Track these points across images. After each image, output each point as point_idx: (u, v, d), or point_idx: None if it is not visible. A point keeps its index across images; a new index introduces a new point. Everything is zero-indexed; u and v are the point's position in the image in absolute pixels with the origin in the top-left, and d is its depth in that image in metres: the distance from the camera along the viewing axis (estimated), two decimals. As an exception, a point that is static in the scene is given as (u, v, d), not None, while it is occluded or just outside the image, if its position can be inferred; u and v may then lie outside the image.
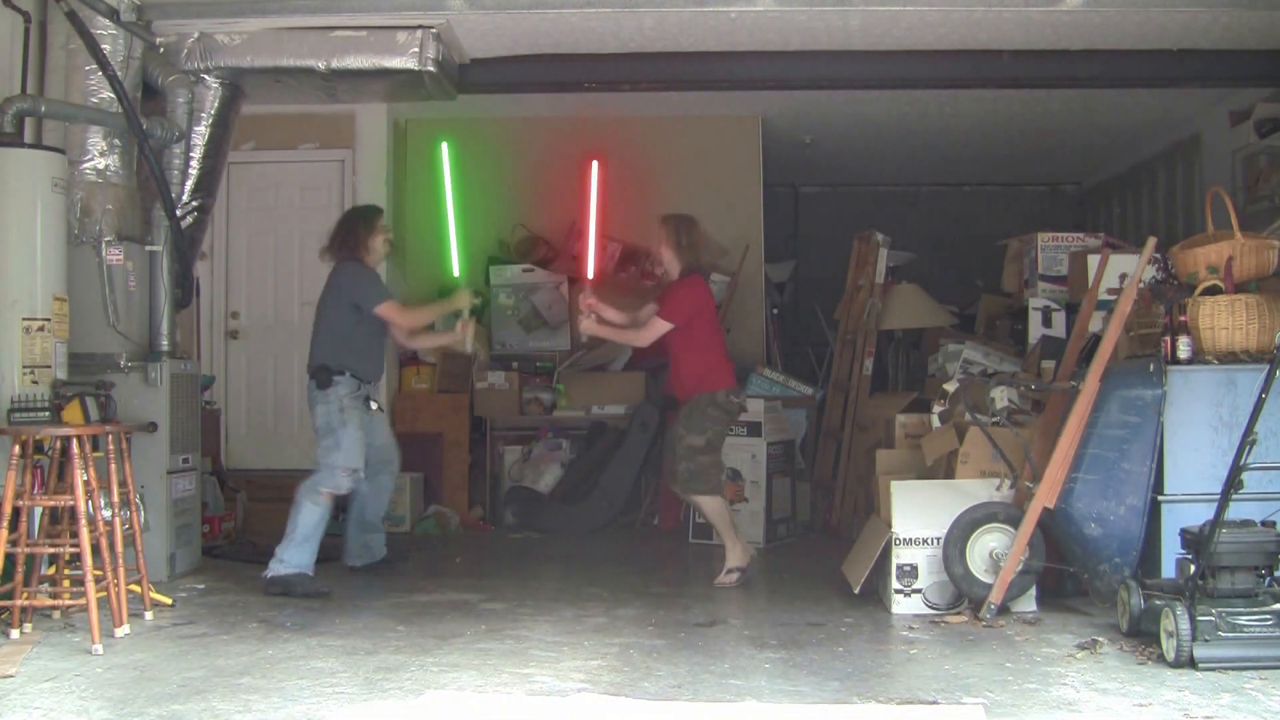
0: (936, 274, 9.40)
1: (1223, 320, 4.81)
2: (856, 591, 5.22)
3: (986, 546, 4.92)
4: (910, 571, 5.04)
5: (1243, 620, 4.01)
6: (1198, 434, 4.77)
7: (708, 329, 5.96)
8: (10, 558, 4.45)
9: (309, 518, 5.66)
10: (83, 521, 4.38)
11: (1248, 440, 4.08)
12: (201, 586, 5.69)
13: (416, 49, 6.17)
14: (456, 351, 7.03)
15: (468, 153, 8.64)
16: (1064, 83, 7.11)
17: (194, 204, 6.24)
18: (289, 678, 3.99)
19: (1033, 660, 4.22)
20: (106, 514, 4.62)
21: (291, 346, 8.60)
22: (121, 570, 4.61)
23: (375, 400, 6.05)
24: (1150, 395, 4.80)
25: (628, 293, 8.60)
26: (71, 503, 4.43)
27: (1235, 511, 4.13)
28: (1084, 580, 5.03)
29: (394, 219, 8.66)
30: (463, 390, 8.28)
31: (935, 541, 5.01)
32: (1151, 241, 5.26)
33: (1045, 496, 4.88)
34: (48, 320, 5.03)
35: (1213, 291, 4.87)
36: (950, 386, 6.03)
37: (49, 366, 5.03)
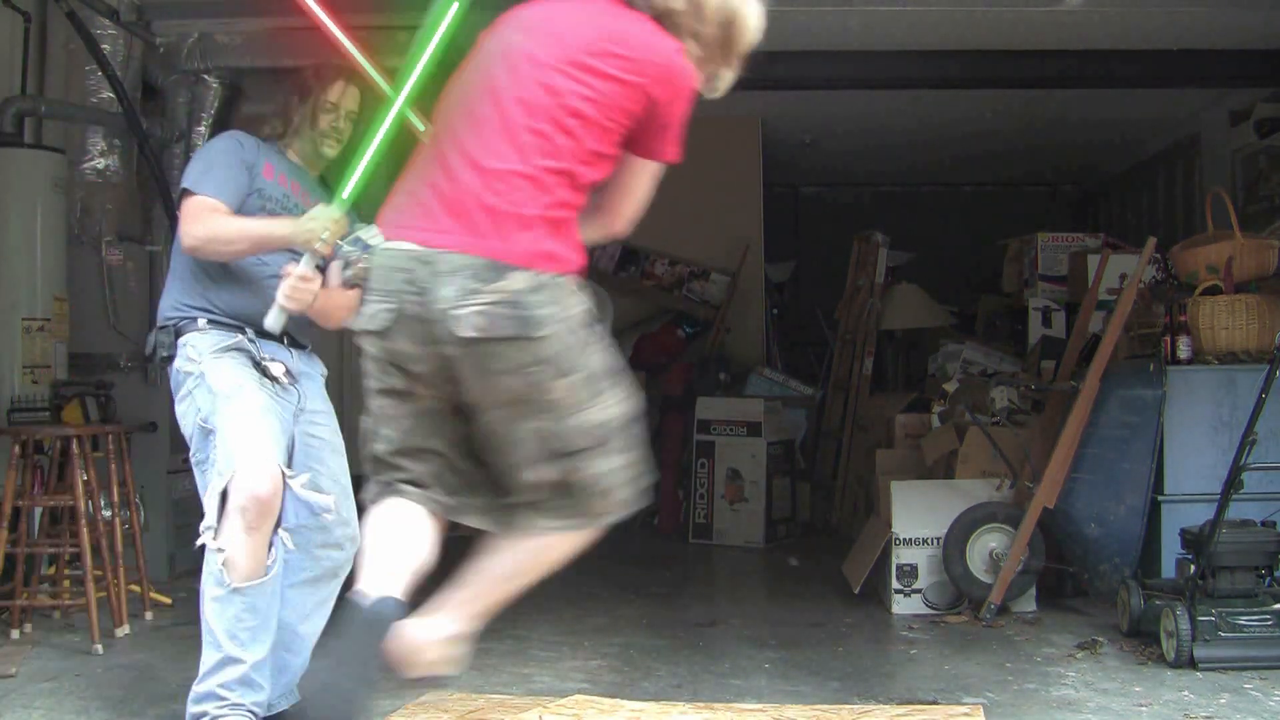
0: (936, 274, 9.40)
1: (1223, 320, 4.81)
2: (856, 591, 5.22)
3: (986, 546, 4.92)
4: (910, 571, 5.04)
5: (1243, 620, 4.01)
6: (1198, 434, 4.77)
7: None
8: (10, 558, 4.45)
9: None
10: (83, 521, 4.37)
11: (1248, 440, 4.08)
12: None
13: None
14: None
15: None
16: (1064, 83, 7.10)
17: (194, 204, 6.23)
18: (289, 678, 3.98)
19: (1033, 660, 4.22)
20: (106, 514, 4.62)
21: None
22: (121, 570, 4.61)
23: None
24: (1150, 395, 4.79)
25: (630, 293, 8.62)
26: (71, 503, 4.43)
27: (1235, 511, 4.12)
28: (1084, 580, 5.03)
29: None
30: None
31: (935, 541, 5.01)
32: (1151, 241, 5.26)
33: (1045, 496, 4.88)
34: (48, 320, 5.04)
35: (1213, 291, 4.87)
36: (950, 386, 6.03)
37: (49, 366, 5.03)
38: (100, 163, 5.74)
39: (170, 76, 6.09)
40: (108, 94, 5.64)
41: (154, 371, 5.74)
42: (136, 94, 5.90)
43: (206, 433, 3.06)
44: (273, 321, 3.07)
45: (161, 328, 3.24)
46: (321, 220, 3.04)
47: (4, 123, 5.09)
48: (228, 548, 2.90)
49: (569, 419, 2.24)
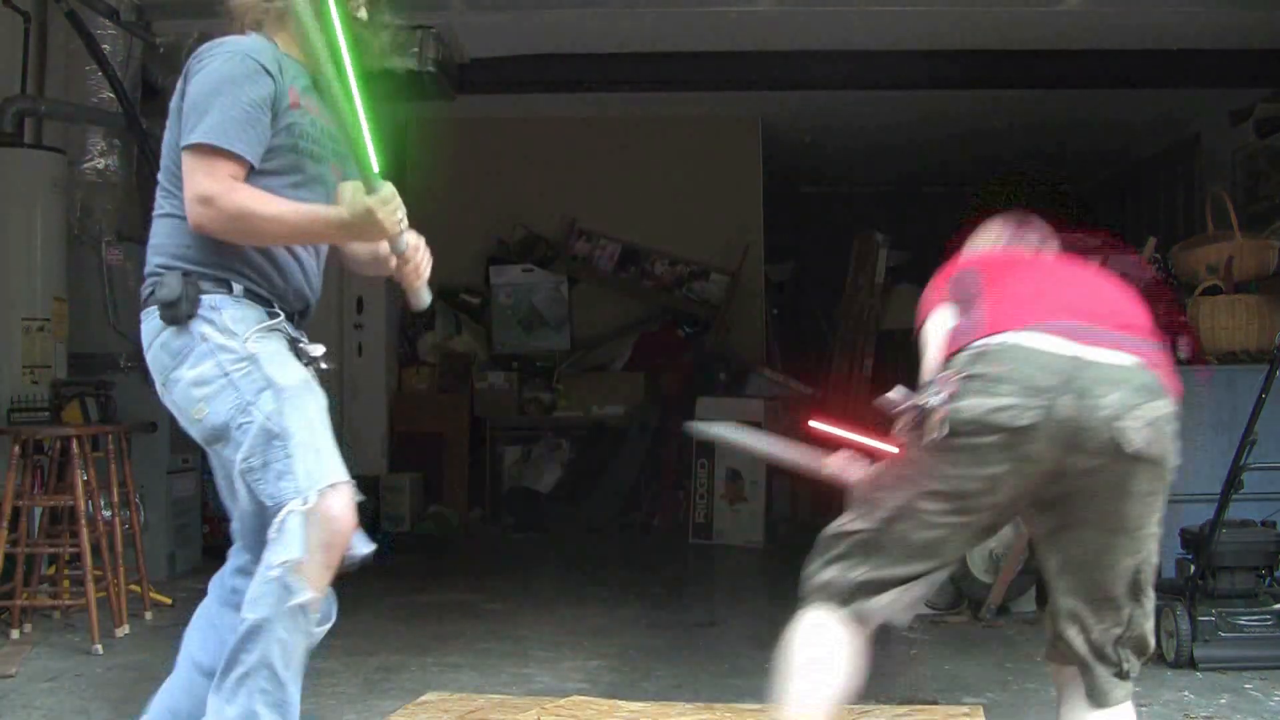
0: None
1: (1223, 320, 4.81)
2: (856, 591, 5.21)
3: (986, 547, 4.91)
4: (910, 571, 5.03)
5: (1243, 620, 4.01)
6: (1198, 434, 4.76)
7: None
8: (10, 558, 4.45)
9: None
10: (83, 521, 4.37)
11: (1248, 440, 4.08)
12: (202, 587, 5.67)
13: (416, 49, 6.16)
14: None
15: (468, 152, 8.63)
16: (1064, 83, 7.10)
17: (194, 204, 6.22)
18: (289, 678, 3.98)
19: (1032, 660, 4.21)
20: (106, 514, 4.62)
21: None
22: (121, 570, 4.61)
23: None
24: (1150, 395, 4.79)
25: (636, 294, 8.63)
26: (71, 503, 4.43)
27: (1235, 511, 4.12)
28: (1084, 580, 5.03)
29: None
30: (463, 390, 8.28)
31: (935, 541, 5.00)
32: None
33: (1045, 496, 4.88)
34: (48, 320, 5.04)
35: (1213, 291, 4.87)
36: (950, 386, 6.03)
37: (49, 366, 5.03)
38: (100, 163, 5.74)
39: (170, 76, 6.09)
40: (108, 94, 5.64)
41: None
42: (136, 94, 5.90)
43: (270, 435, 2.41)
44: (428, 297, 2.75)
45: (186, 273, 2.49)
46: (389, 203, 2.49)
47: (4, 123, 5.09)
48: (317, 587, 2.40)
49: (1151, 555, 2.22)
